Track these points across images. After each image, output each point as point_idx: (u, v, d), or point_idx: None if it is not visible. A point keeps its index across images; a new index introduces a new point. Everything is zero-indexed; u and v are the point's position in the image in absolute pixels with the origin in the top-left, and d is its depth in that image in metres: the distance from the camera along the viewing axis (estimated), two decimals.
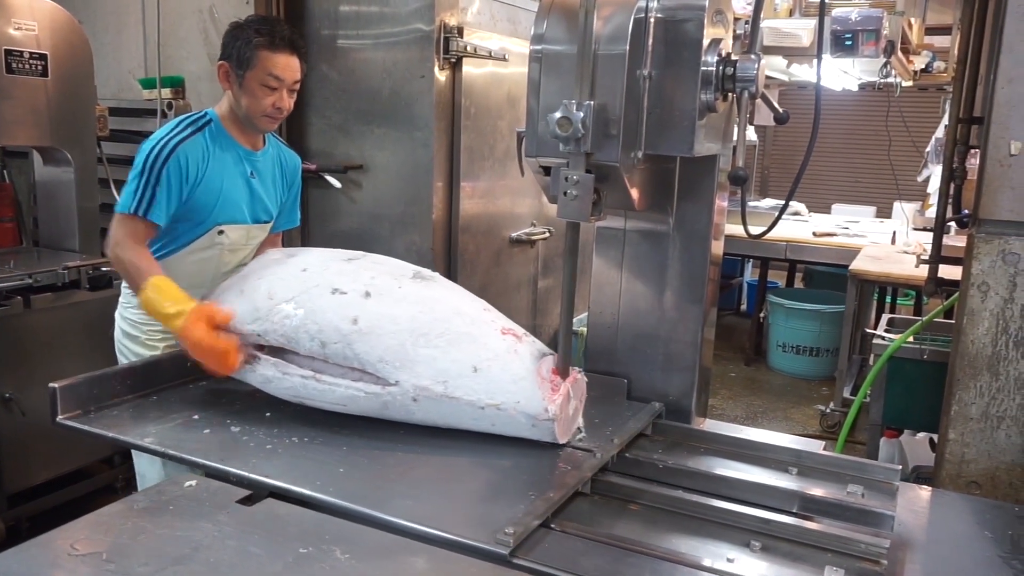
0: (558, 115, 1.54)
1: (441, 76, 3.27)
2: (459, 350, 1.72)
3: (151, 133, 3.66)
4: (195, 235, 2.28)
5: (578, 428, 1.79)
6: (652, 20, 1.64)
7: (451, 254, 3.45)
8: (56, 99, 3.35)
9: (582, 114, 1.52)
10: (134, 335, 2.38)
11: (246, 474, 1.52)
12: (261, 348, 1.86)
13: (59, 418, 1.76)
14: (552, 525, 1.43)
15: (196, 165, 2.20)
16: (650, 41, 1.64)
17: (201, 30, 3.62)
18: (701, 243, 1.97)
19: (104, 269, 3.31)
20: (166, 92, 3.68)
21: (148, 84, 3.75)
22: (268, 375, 1.83)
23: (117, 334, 2.45)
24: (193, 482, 1.50)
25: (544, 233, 3.99)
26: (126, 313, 2.39)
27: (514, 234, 3.84)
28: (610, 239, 2.06)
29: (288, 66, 2.21)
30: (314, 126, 3.50)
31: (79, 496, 3.43)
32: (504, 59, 3.51)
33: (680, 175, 1.95)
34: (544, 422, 1.67)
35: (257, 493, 1.48)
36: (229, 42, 2.23)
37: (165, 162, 2.16)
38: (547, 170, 1.74)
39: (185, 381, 2.01)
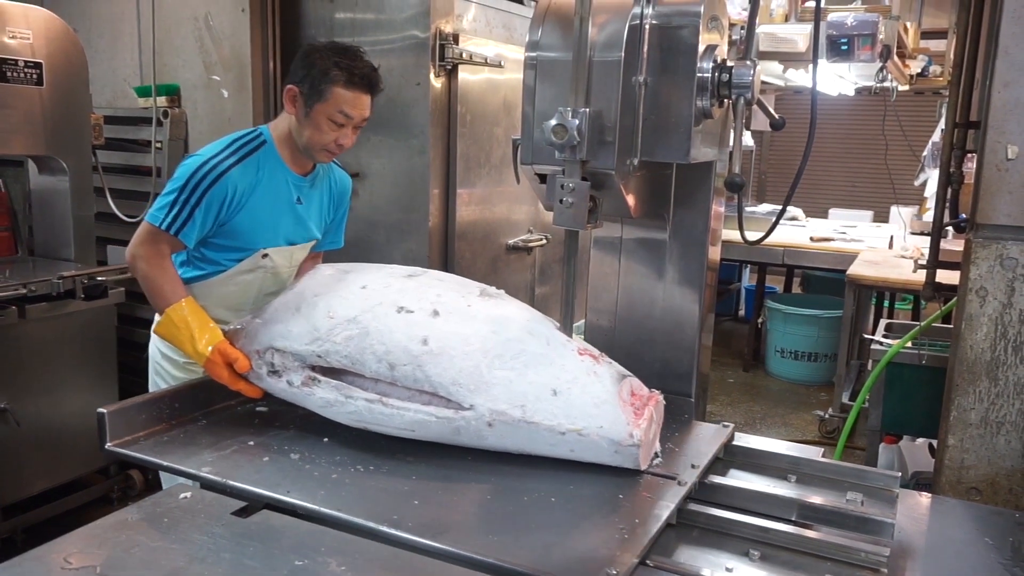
0: (553, 122, 1.53)
1: (437, 83, 3.27)
2: (536, 372, 1.62)
3: (146, 141, 3.74)
4: (236, 258, 2.21)
5: (655, 452, 1.70)
6: (647, 27, 1.64)
7: (448, 261, 3.45)
8: (51, 108, 3.35)
9: (577, 121, 1.52)
10: (173, 358, 2.29)
11: (316, 507, 1.44)
12: (315, 368, 1.76)
13: (108, 445, 1.67)
14: (648, 561, 1.37)
15: (242, 194, 2.11)
16: (645, 48, 1.64)
17: (196, 38, 3.62)
18: (698, 249, 1.96)
19: (99, 279, 3.31)
20: (161, 100, 3.67)
21: (143, 92, 3.75)
22: (329, 399, 1.72)
23: (153, 353, 2.36)
24: (188, 494, 1.49)
25: (541, 240, 3.98)
26: None
27: (511, 241, 3.84)
28: (607, 245, 2.06)
29: (361, 104, 2.12)
30: None
31: (75, 507, 3.41)
32: (500, 66, 3.51)
33: (677, 181, 1.94)
34: (629, 448, 1.58)
35: (252, 504, 1.47)
36: (302, 67, 2.10)
37: (211, 186, 2.06)
38: (543, 178, 1.73)
39: (232, 403, 1.92)
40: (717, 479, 1.66)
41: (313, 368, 1.76)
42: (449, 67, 3.29)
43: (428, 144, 3.29)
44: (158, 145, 3.68)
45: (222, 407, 1.91)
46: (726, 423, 1.88)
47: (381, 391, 1.70)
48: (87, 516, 1.44)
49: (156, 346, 2.35)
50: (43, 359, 3.22)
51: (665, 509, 1.46)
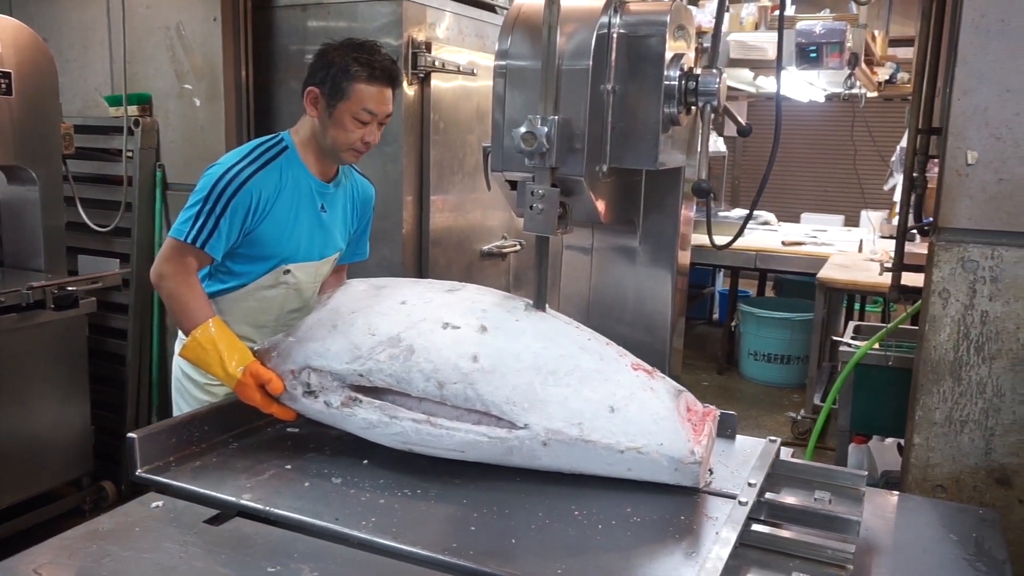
0: (523, 130, 1.55)
1: (410, 91, 3.28)
2: (592, 389, 1.57)
3: (117, 150, 3.71)
4: (259, 271, 2.14)
5: (709, 470, 1.65)
6: (615, 36, 1.67)
7: (422, 268, 3.46)
8: (21, 117, 3.31)
9: (547, 129, 1.54)
10: (195, 379, 2.22)
11: (368, 537, 1.37)
12: (355, 388, 1.68)
13: (140, 471, 1.60)
14: None
15: (266, 200, 2.05)
16: (613, 56, 1.67)
17: (168, 47, 3.60)
18: (668, 253, 1.99)
19: (70, 289, 3.28)
20: (132, 109, 3.64)
21: (114, 101, 3.72)
22: (372, 420, 1.63)
23: (176, 373, 2.28)
24: (159, 503, 1.49)
25: (515, 246, 4.00)
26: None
27: (485, 247, 3.85)
28: (578, 250, 2.08)
29: (384, 99, 2.06)
30: None
31: (47, 519, 3.37)
32: (473, 73, 3.53)
33: (646, 187, 1.97)
34: (690, 466, 1.54)
35: (225, 512, 1.47)
36: (321, 68, 2.05)
37: (234, 195, 2.00)
38: (513, 184, 1.75)
39: (262, 424, 1.85)
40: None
41: (353, 388, 1.68)
42: (422, 75, 3.30)
43: (401, 152, 3.29)
44: (129, 154, 3.66)
45: (252, 429, 1.84)
46: (772, 438, 1.81)
47: (427, 411, 1.62)
48: (59, 529, 1.42)
49: (179, 367, 2.27)
50: (13, 370, 3.19)
51: (732, 531, 1.41)
